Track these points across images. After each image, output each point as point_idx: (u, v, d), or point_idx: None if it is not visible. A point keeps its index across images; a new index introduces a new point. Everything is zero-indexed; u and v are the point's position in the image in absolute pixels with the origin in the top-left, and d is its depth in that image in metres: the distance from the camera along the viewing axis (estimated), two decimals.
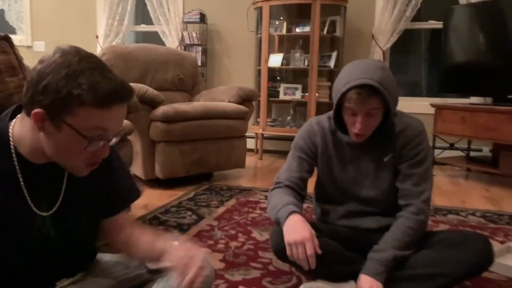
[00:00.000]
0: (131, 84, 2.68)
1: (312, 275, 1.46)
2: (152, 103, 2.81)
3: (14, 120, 0.93)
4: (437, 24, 4.10)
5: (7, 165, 0.90)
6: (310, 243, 1.25)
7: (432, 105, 3.62)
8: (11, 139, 0.90)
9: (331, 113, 1.53)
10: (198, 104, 3.08)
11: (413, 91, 4.58)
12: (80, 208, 1.06)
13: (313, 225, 1.46)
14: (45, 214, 0.97)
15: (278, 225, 1.39)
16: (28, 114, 0.86)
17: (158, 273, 1.16)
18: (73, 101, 0.82)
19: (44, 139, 0.87)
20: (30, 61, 2.73)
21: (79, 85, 0.82)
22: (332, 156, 1.52)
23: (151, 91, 2.77)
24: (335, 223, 1.55)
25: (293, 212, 1.34)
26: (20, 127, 0.90)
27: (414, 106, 4.05)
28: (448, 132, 3.48)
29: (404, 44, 4.39)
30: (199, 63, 4.37)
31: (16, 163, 0.90)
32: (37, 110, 0.84)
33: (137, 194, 1.18)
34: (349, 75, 1.34)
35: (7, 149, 0.90)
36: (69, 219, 1.01)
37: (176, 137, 2.85)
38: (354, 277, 1.40)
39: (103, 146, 0.90)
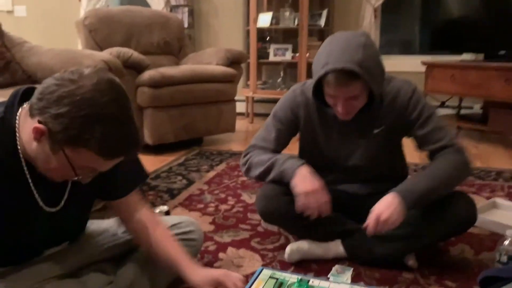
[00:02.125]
0: (115, 48, 2.63)
1: (299, 236, 1.48)
2: (138, 68, 2.75)
3: (21, 110, 0.88)
4: None
5: (14, 160, 0.87)
6: (324, 191, 1.30)
7: (423, 63, 3.58)
8: (17, 134, 0.87)
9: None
10: (186, 68, 3.02)
11: (406, 49, 4.51)
12: (85, 198, 1.06)
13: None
14: (52, 210, 0.96)
15: (277, 181, 1.37)
16: (32, 115, 0.82)
17: None
18: (80, 142, 0.80)
19: (35, 147, 0.84)
20: (11, 26, 2.65)
21: (92, 132, 0.79)
22: (317, 128, 1.46)
23: (136, 55, 2.71)
24: None
25: (303, 164, 1.35)
26: (25, 123, 0.86)
27: (406, 64, 4.00)
28: (439, 90, 3.46)
29: (395, 1, 4.29)
30: (186, 25, 4.26)
31: (22, 158, 0.88)
32: (40, 126, 0.80)
33: (144, 176, 1.16)
34: (328, 55, 1.24)
35: (13, 143, 0.87)
36: (72, 210, 1.01)
37: (164, 102, 2.82)
38: (339, 236, 1.43)
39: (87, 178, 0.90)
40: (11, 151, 0.86)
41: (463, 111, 3.78)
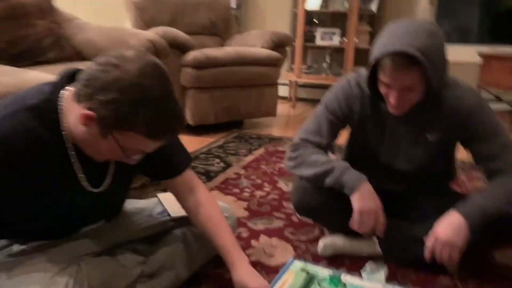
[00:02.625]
0: (161, 28, 2.64)
1: (334, 231, 1.44)
2: (183, 48, 2.76)
3: (66, 92, 0.89)
4: None
5: (58, 141, 0.89)
6: (382, 212, 1.24)
7: (480, 55, 3.37)
8: (62, 115, 0.88)
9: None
10: (230, 49, 3.00)
11: (463, 38, 4.25)
12: (127, 178, 1.09)
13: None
14: (94, 190, 0.98)
15: (338, 189, 1.28)
16: (79, 101, 0.84)
17: (181, 220, 1.18)
18: (128, 125, 0.83)
19: (83, 131, 0.86)
20: (63, 1, 2.72)
21: (140, 115, 0.82)
22: (369, 125, 1.36)
23: (181, 35, 2.71)
24: None
25: (365, 179, 1.27)
26: (70, 106, 0.87)
27: (461, 54, 3.77)
28: (496, 84, 3.26)
29: None
30: (234, 5, 4.23)
31: (66, 139, 0.89)
32: (89, 113, 0.82)
33: (188, 160, 1.17)
34: (388, 38, 1.14)
35: (58, 124, 0.88)
36: (114, 190, 1.03)
37: (206, 84, 2.82)
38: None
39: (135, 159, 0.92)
40: (56, 132, 0.88)
41: None
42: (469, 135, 1.27)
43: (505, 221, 1.20)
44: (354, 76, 1.37)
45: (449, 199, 1.36)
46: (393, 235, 1.35)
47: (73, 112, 0.86)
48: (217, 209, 1.14)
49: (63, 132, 0.88)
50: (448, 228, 1.17)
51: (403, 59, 1.10)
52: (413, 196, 1.42)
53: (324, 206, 1.33)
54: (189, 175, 1.14)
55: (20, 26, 1.90)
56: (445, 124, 1.28)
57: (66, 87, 0.89)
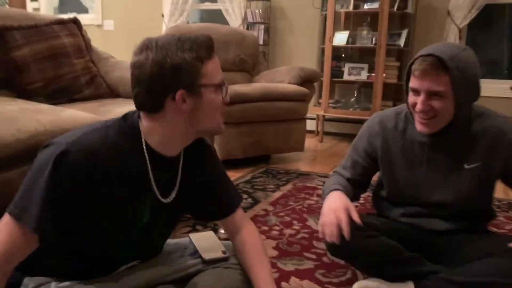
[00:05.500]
0: None
1: (368, 274, 1.39)
2: None
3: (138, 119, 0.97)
4: None
5: (139, 155, 0.94)
6: (345, 211, 1.23)
7: None
8: (142, 131, 0.94)
9: (400, 108, 1.41)
10: (258, 85, 3.04)
11: (493, 73, 4.19)
12: (187, 201, 1.10)
13: (370, 220, 1.38)
14: (164, 200, 1.01)
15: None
16: (155, 110, 0.91)
17: (212, 263, 1.16)
18: (197, 63, 0.89)
19: (191, 116, 0.92)
20: (100, 39, 2.84)
21: (189, 50, 0.89)
22: (396, 158, 1.38)
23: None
24: (396, 219, 1.45)
25: (335, 189, 1.33)
26: (147, 122, 0.94)
27: (493, 89, 3.70)
28: None
29: (483, 20, 4.01)
30: (261, 42, 4.31)
31: (146, 155, 0.94)
32: (178, 93, 0.89)
33: (240, 199, 1.21)
34: (423, 50, 1.23)
35: (139, 139, 0.94)
36: (167, 213, 1.06)
37: (235, 119, 2.85)
38: (414, 277, 1.32)
39: (226, 91, 0.97)
40: (135, 139, 0.94)
41: None
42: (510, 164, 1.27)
43: None
44: (378, 114, 1.45)
45: (489, 242, 1.31)
46: (430, 279, 1.29)
47: (157, 126, 0.93)
48: (259, 247, 1.14)
49: (144, 152, 0.94)
50: None
51: (433, 62, 1.16)
52: (448, 235, 1.36)
53: (360, 248, 1.28)
54: (240, 214, 1.17)
55: (59, 65, 1.98)
56: (487, 151, 1.28)
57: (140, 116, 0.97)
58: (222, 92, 0.96)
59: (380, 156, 1.41)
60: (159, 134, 0.94)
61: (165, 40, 0.90)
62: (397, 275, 1.33)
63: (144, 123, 0.94)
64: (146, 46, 0.89)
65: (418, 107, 1.21)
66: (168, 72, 0.87)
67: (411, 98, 1.25)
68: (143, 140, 0.94)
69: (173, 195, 1.03)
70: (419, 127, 1.27)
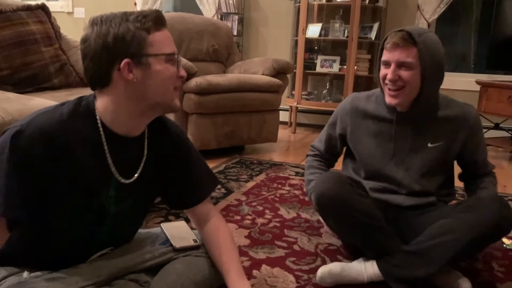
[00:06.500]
0: None
1: (345, 237, 1.55)
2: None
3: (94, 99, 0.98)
4: None
5: (94, 133, 0.95)
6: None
7: (478, 83, 3.41)
8: (96, 111, 0.95)
9: (372, 91, 1.52)
10: (232, 76, 3.04)
11: (460, 67, 4.32)
12: (153, 185, 1.10)
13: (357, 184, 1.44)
14: (125, 181, 1.01)
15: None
16: (104, 84, 0.92)
17: (183, 252, 1.17)
18: (142, 33, 0.90)
19: (141, 87, 0.92)
20: (70, 27, 2.77)
21: (134, 20, 0.90)
22: (364, 135, 1.50)
23: (184, 62, 2.75)
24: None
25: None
26: (100, 99, 0.96)
27: (459, 82, 3.83)
28: (494, 112, 3.29)
29: (451, 14, 4.12)
30: (235, 33, 4.30)
31: (102, 133, 0.95)
32: (122, 62, 0.89)
33: (214, 183, 1.21)
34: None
35: (94, 119, 0.95)
36: (132, 196, 1.05)
37: (209, 109, 2.85)
38: (382, 252, 1.35)
39: (179, 65, 0.97)
40: (90, 119, 0.95)
41: None
42: (467, 144, 1.43)
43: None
44: (353, 95, 1.57)
45: (442, 211, 1.40)
46: (394, 256, 1.34)
47: (110, 102, 0.94)
48: (227, 237, 1.15)
49: (99, 128, 0.94)
50: None
51: (403, 36, 1.30)
52: (413, 210, 1.45)
53: (351, 201, 1.33)
54: (207, 205, 1.18)
55: (27, 52, 1.93)
56: (448, 131, 1.41)
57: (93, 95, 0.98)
58: (174, 65, 0.95)
59: (350, 132, 1.53)
60: (112, 111, 0.95)
61: (111, 15, 0.92)
62: (371, 243, 1.36)
63: (98, 102, 0.96)
64: (93, 21, 0.92)
65: (388, 76, 1.32)
66: (112, 41, 0.89)
67: (383, 71, 1.36)
68: (98, 118, 0.95)
69: (135, 176, 1.04)
70: (388, 99, 1.36)
